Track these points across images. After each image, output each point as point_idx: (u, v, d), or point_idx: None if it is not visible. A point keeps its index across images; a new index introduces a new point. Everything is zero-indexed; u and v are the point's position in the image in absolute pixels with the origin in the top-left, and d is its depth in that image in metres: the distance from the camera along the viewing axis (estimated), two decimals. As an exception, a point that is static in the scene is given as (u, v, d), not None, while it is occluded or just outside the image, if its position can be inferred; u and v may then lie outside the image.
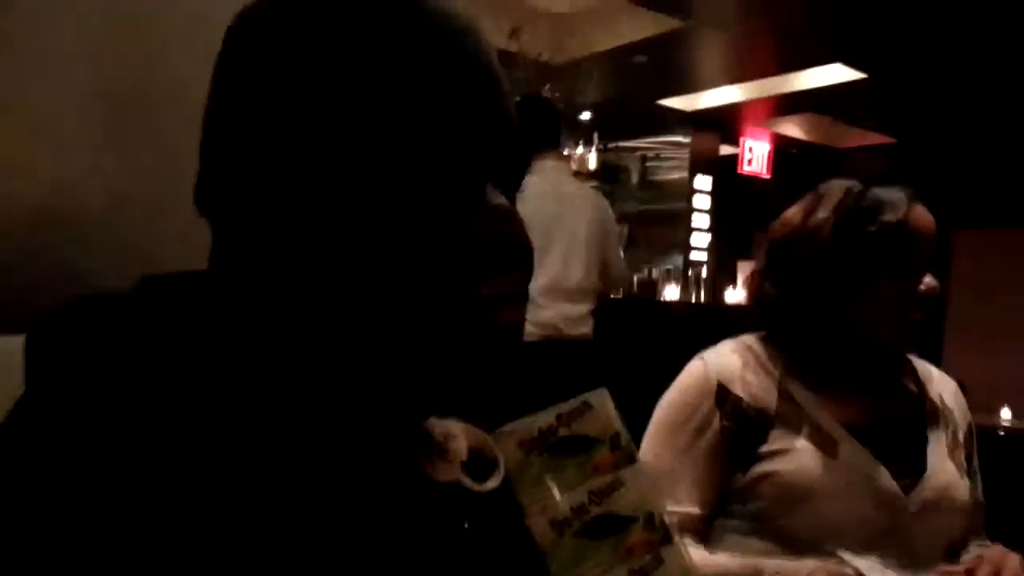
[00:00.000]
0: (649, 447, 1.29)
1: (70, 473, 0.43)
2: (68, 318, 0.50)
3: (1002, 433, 4.29)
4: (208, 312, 0.52)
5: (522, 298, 0.53)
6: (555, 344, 2.81)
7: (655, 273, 5.20)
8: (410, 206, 0.48)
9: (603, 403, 0.68)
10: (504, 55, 4.47)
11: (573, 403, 0.68)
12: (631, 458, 0.67)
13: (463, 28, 0.52)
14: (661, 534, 0.65)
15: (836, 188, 1.31)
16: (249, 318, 0.52)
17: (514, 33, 4.26)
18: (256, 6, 0.52)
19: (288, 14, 0.50)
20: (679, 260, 5.52)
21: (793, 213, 1.36)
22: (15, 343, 0.50)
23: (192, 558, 0.44)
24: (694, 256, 5.58)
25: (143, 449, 0.45)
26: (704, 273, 5.39)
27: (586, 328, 2.95)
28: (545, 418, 0.66)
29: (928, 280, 1.25)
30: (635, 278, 5.07)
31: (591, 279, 2.94)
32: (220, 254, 0.54)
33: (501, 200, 0.50)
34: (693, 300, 4.93)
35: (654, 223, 5.71)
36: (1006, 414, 4.80)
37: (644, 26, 4.20)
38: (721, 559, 1.17)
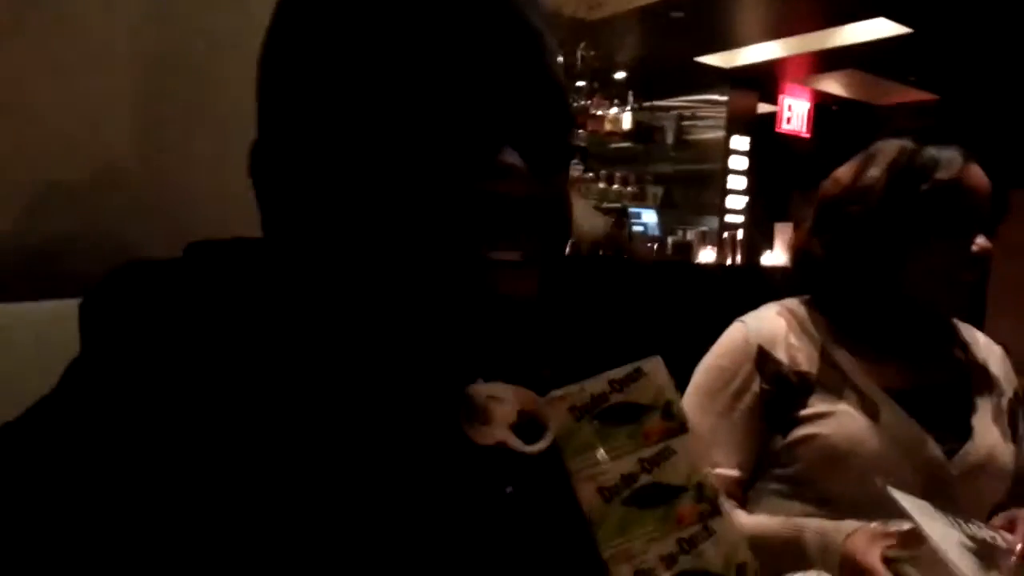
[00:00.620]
0: (689, 408, 1.28)
1: (124, 432, 0.44)
2: (120, 283, 0.51)
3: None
4: (252, 277, 0.52)
5: (533, 264, 0.51)
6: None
7: (690, 235, 5.14)
8: (423, 163, 0.48)
9: (656, 370, 0.67)
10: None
11: (626, 369, 0.67)
12: (683, 427, 0.66)
13: None
14: (711, 505, 0.64)
15: (890, 146, 1.28)
16: (291, 282, 0.52)
17: (549, -10, 4.18)
18: None
19: None
20: (715, 222, 5.46)
21: (844, 171, 1.33)
22: (71, 307, 0.51)
23: (242, 516, 0.45)
24: (730, 218, 5.50)
25: (194, 410, 0.46)
26: (740, 235, 5.32)
27: None
28: (597, 384, 0.65)
29: (981, 241, 1.22)
30: (669, 240, 5.03)
31: None
32: (267, 221, 0.54)
33: (515, 160, 0.49)
34: (728, 263, 4.88)
35: (690, 184, 5.64)
36: (1049, 378, 4.72)
37: (682, -19, 4.10)
38: (762, 520, 1.17)
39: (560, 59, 0.55)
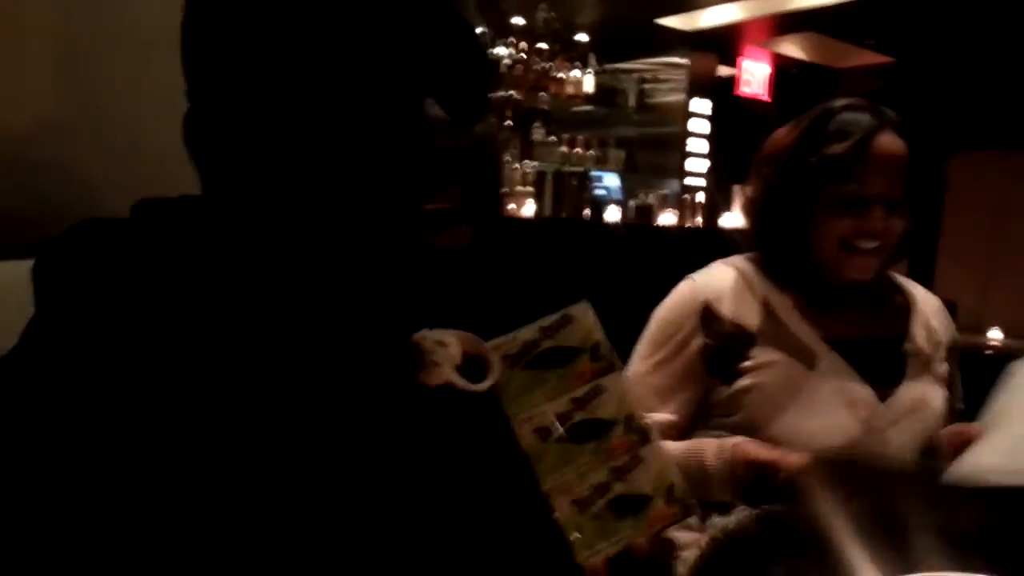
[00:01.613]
0: (636, 357, 1.34)
1: (83, 386, 0.46)
2: (73, 243, 0.52)
3: (989, 352, 4.36)
4: (197, 235, 0.54)
5: (465, 214, 0.54)
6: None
7: (651, 198, 5.18)
8: (349, 120, 0.50)
9: (584, 315, 0.71)
10: (497, -26, 4.36)
11: (555, 316, 0.70)
12: (611, 366, 0.70)
13: None
14: (640, 435, 0.69)
15: (814, 110, 1.31)
16: (233, 241, 0.54)
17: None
18: None
19: None
20: (676, 185, 5.50)
21: (775, 134, 1.37)
22: (23, 267, 0.52)
23: (196, 462, 0.47)
24: (691, 181, 5.55)
25: (147, 361, 0.48)
26: (700, 198, 5.38)
27: None
28: (528, 332, 0.69)
29: (877, 215, 1.23)
30: (632, 203, 5.07)
31: None
32: (207, 184, 0.56)
33: (437, 112, 0.51)
34: (688, 225, 4.93)
35: (651, 147, 5.66)
36: (995, 334, 4.87)
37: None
38: (668, 444, 1.23)
39: (474, 11, 0.56)
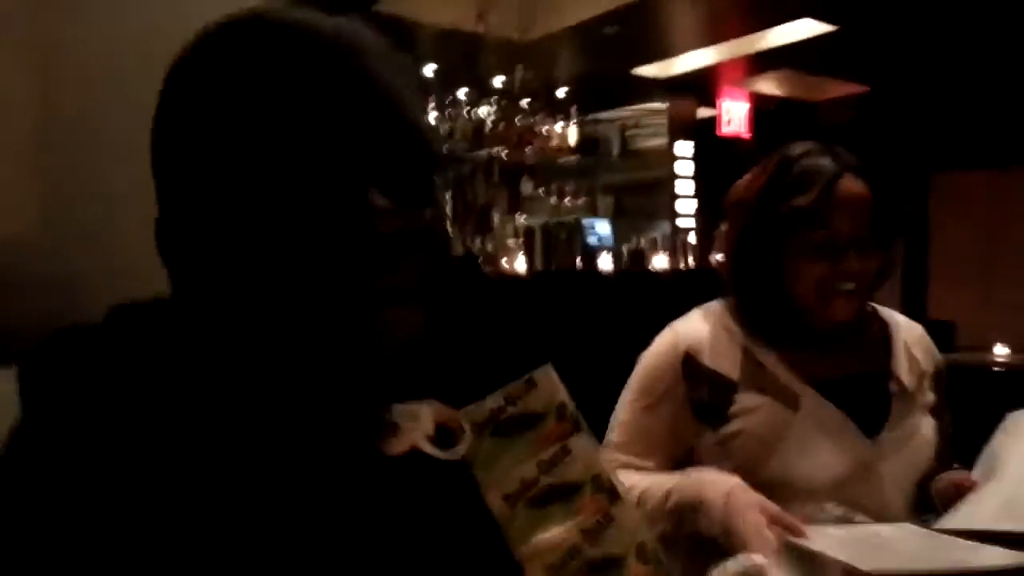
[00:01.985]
0: (622, 403, 1.35)
1: (70, 488, 0.48)
2: (53, 350, 0.55)
3: (998, 369, 4.34)
4: (170, 337, 0.57)
5: (414, 297, 0.57)
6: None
7: (643, 242, 5.23)
8: (300, 214, 0.53)
9: (547, 378, 0.73)
10: (473, 38, 4.48)
11: (519, 382, 0.72)
12: (576, 426, 0.72)
13: (349, 49, 0.56)
14: (609, 495, 0.70)
15: (773, 159, 1.34)
16: (204, 339, 0.57)
17: (481, 15, 4.26)
18: (183, 55, 0.57)
19: (198, 74, 0.55)
20: (666, 227, 5.56)
21: (740, 181, 1.40)
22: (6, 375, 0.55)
23: (180, 550, 0.49)
24: (680, 223, 5.61)
25: (129, 460, 0.50)
26: (691, 239, 5.42)
27: None
28: (494, 400, 0.71)
29: (850, 257, 1.24)
30: (624, 248, 5.11)
31: None
32: (177, 286, 0.59)
33: (380, 200, 0.54)
34: (682, 266, 4.97)
35: (639, 192, 5.74)
36: (1001, 350, 4.86)
37: (610, -3, 4.21)
38: (634, 479, 1.24)
39: (425, 103, 0.60)
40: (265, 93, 0.54)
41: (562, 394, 0.73)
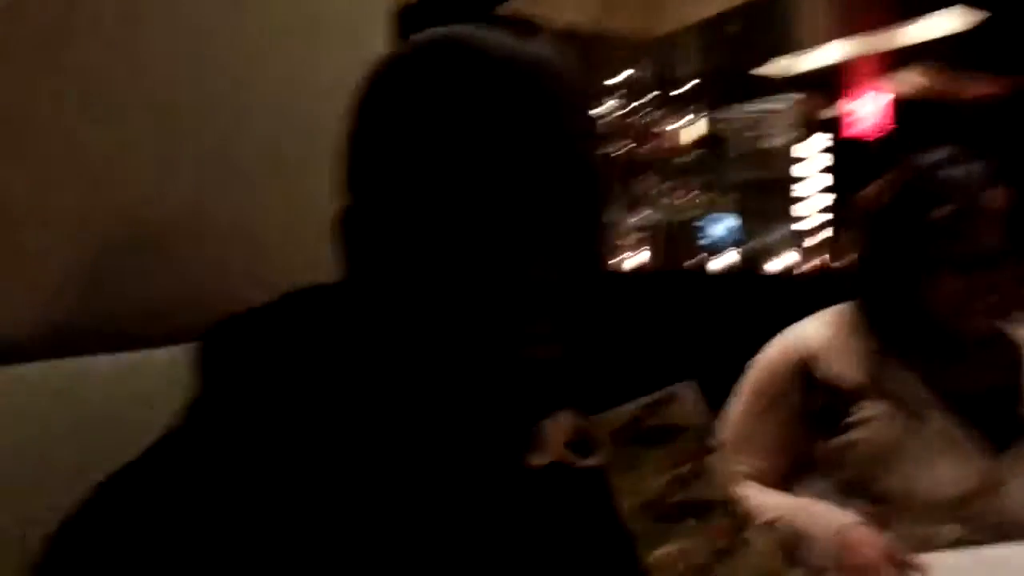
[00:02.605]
0: (731, 410, 1.35)
1: (247, 460, 0.54)
2: (231, 330, 0.62)
3: None
4: (339, 324, 0.62)
5: (558, 337, 0.60)
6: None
7: (763, 243, 5.11)
8: (467, 237, 0.57)
9: (689, 394, 0.74)
10: (594, 36, 4.48)
11: (660, 394, 0.74)
12: (712, 448, 0.73)
13: (535, 79, 0.59)
14: (743, 519, 0.71)
15: (909, 167, 1.29)
16: (372, 335, 0.62)
17: (602, 15, 4.25)
18: (383, 69, 0.62)
19: (396, 89, 0.60)
20: (788, 228, 5.41)
21: (873, 187, 1.36)
22: (177, 352, 0.62)
23: (328, 528, 0.55)
24: (803, 224, 5.44)
25: (299, 440, 0.56)
26: (814, 241, 5.25)
27: None
28: (633, 408, 0.72)
29: (990, 271, 1.18)
30: (743, 249, 5.01)
31: None
32: (351, 274, 0.64)
33: (539, 272, 0.57)
34: (803, 269, 4.82)
35: (760, 192, 5.60)
36: None
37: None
38: (774, 498, 1.22)
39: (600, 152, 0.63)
40: (458, 113, 0.57)
41: (702, 413, 0.74)
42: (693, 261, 4.46)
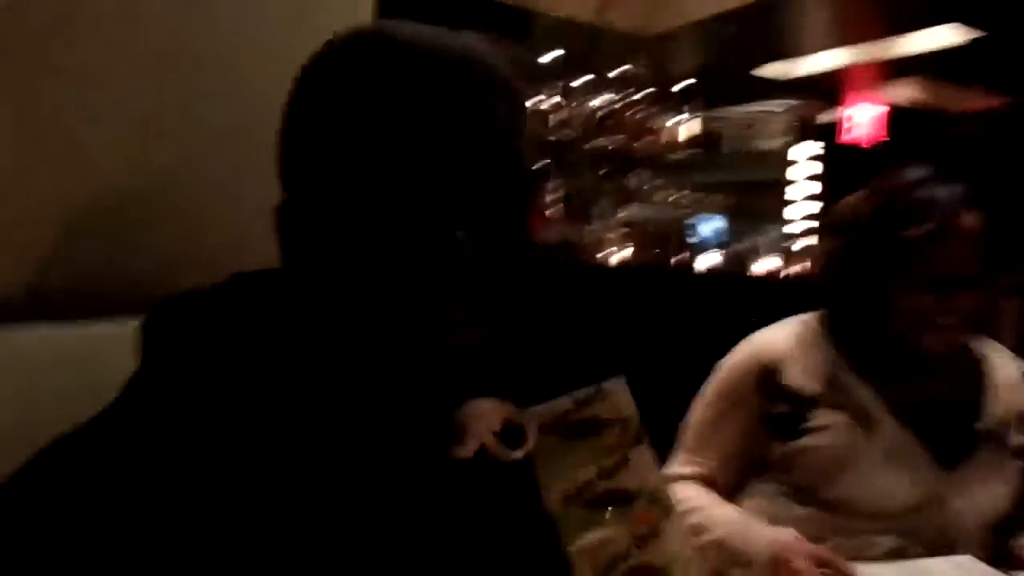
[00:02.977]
0: (696, 407, 1.37)
1: (183, 432, 0.56)
2: (176, 308, 0.63)
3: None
4: (281, 308, 0.64)
5: (481, 319, 0.61)
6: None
7: (750, 245, 5.13)
8: (396, 225, 0.58)
9: (618, 389, 0.77)
10: (591, 29, 4.47)
11: (590, 389, 0.77)
12: (639, 440, 0.76)
13: (460, 68, 0.60)
14: (663, 510, 0.74)
15: (887, 182, 1.31)
16: (308, 319, 0.63)
17: (601, 8, 4.25)
18: (312, 63, 0.63)
19: (325, 82, 0.61)
20: (777, 231, 5.43)
21: (848, 200, 1.38)
22: (127, 327, 0.63)
23: (251, 515, 0.56)
24: (791, 228, 5.46)
25: (230, 420, 0.57)
26: (800, 245, 5.28)
27: None
28: (563, 403, 0.75)
29: (958, 293, 1.20)
30: (730, 250, 5.02)
31: None
32: (288, 259, 0.65)
33: (462, 239, 0.58)
34: (786, 273, 4.85)
35: (751, 194, 5.61)
36: None
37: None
38: (695, 501, 1.24)
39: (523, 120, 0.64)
40: (380, 106, 0.59)
41: (630, 407, 0.77)
42: (678, 259, 4.48)
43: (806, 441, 1.26)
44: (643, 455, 0.75)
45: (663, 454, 1.31)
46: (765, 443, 1.31)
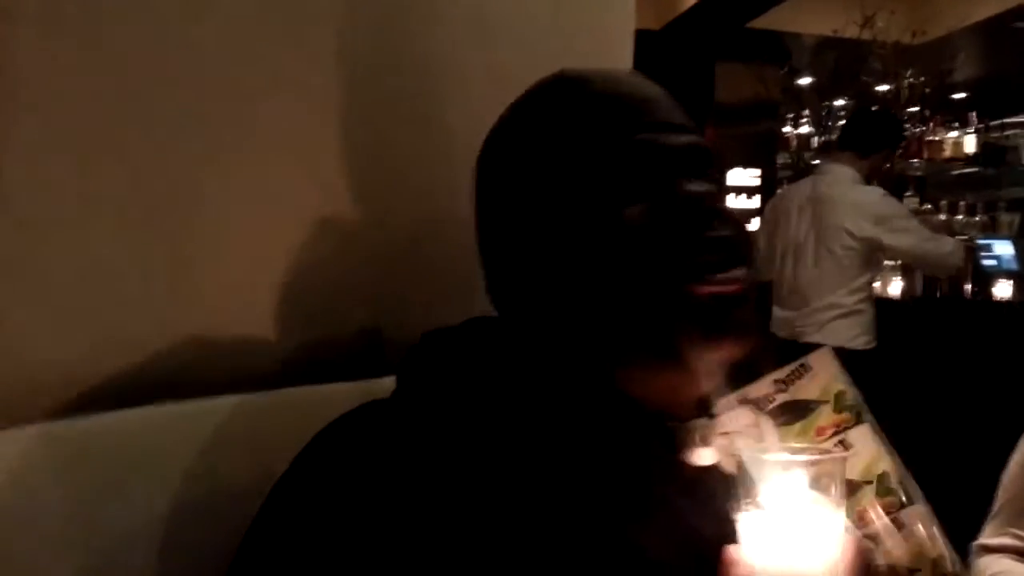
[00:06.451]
0: (1010, 467, 1.20)
1: (428, 461, 0.57)
2: (425, 351, 0.67)
3: None
4: (515, 351, 0.66)
5: (743, 298, 0.57)
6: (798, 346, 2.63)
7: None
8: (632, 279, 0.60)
9: (823, 364, 0.66)
10: (856, 45, 4.20)
11: (789, 368, 0.66)
12: (859, 418, 0.64)
13: (633, 109, 0.62)
14: (899, 497, 0.61)
15: None
16: (541, 357, 0.64)
17: (867, 21, 3.98)
18: (509, 111, 0.68)
19: (515, 130, 0.67)
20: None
21: None
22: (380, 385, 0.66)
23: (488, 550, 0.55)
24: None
25: (475, 453, 0.59)
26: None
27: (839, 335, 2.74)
28: (759, 387, 0.66)
29: None
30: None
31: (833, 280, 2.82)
32: (507, 312, 0.68)
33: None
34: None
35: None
36: None
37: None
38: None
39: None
40: (566, 149, 0.63)
41: (841, 380, 0.66)
42: (970, 288, 4.04)
43: None
44: (864, 437, 0.64)
45: (975, 511, 1.16)
46: None
